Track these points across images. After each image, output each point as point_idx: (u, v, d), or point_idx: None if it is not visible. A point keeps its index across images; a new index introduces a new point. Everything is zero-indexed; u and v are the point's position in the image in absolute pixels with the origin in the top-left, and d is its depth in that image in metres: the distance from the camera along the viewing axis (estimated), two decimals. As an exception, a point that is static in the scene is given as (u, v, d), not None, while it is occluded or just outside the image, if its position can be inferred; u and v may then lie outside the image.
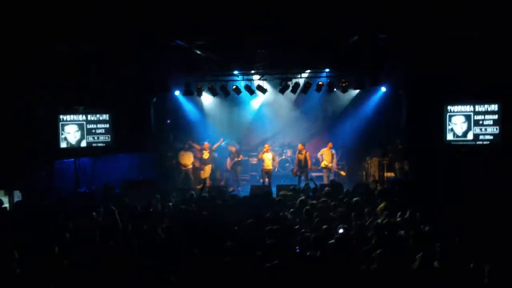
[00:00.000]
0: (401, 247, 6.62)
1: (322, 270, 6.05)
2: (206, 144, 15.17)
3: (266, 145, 15.28)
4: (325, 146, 15.40)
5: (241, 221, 8.44)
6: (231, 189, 14.84)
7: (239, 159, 15.68)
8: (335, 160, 15.30)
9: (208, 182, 14.91)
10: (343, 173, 15.60)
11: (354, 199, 9.94)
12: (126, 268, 6.36)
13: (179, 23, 9.90)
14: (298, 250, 7.14)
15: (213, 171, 15.66)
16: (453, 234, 7.06)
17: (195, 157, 15.26)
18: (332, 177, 14.85)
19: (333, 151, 15.29)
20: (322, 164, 15.23)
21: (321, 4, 9.13)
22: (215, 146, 15.33)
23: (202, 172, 15.02)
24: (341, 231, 7.86)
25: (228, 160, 15.76)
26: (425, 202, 9.47)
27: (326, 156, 15.18)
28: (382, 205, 9.21)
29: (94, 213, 9.42)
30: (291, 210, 9.36)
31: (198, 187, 14.18)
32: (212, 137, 15.99)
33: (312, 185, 12.07)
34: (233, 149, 15.70)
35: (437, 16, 9.39)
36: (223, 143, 16.21)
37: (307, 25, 9.69)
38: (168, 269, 6.25)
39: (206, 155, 15.02)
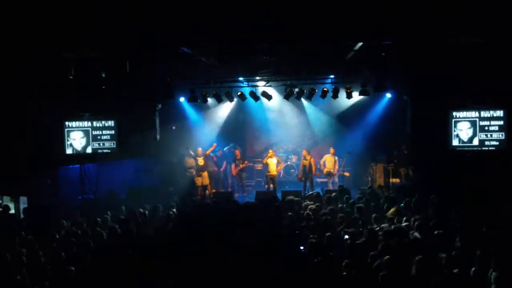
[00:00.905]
0: (409, 253, 6.60)
1: (329, 275, 6.05)
2: (199, 150, 15.06)
3: (270, 151, 15.28)
4: (328, 153, 15.39)
5: (246, 226, 8.46)
6: (236, 195, 14.84)
7: (244, 165, 15.64)
8: (336, 166, 15.25)
9: (209, 189, 14.87)
10: (346, 174, 15.51)
11: (358, 204, 9.96)
12: (130, 272, 6.38)
13: (184, 30, 9.94)
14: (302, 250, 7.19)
15: (213, 177, 15.64)
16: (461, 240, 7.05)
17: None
18: (337, 183, 14.86)
19: (336, 158, 15.24)
20: (325, 171, 15.23)
21: (326, 11, 9.16)
22: (208, 151, 15.28)
23: (198, 178, 14.89)
24: (346, 237, 7.87)
25: (233, 165, 15.74)
26: (432, 208, 9.48)
27: (329, 163, 15.17)
28: (392, 210, 9.22)
29: (98, 219, 9.47)
30: (290, 214, 9.38)
31: (199, 193, 14.22)
32: (217, 143, 15.98)
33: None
34: (239, 154, 15.68)
35: (441, 22, 9.40)
36: (226, 148, 16.23)
37: (312, 31, 9.71)
38: (167, 272, 6.29)
39: (200, 161, 14.96)
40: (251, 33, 9.86)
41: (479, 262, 5.87)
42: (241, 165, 15.53)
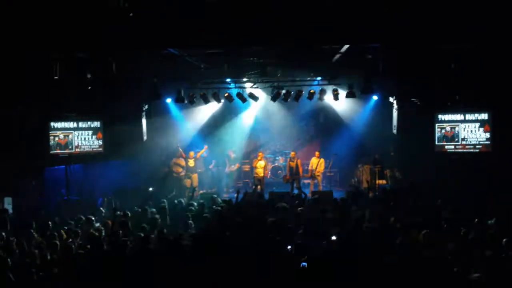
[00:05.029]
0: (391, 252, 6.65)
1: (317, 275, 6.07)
2: (191, 153, 15.14)
3: (260, 153, 15.31)
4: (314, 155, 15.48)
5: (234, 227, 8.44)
6: (225, 195, 14.80)
7: (235, 168, 15.70)
8: (320, 168, 15.24)
9: (196, 191, 14.83)
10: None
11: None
12: (119, 274, 6.34)
13: (171, 31, 9.92)
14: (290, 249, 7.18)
15: (202, 179, 15.62)
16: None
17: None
18: (321, 184, 15.01)
19: (321, 159, 15.24)
20: (310, 173, 15.29)
21: (314, 13, 9.22)
22: (199, 154, 15.31)
23: (188, 180, 14.92)
24: (334, 238, 7.88)
25: (227, 164, 15.95)
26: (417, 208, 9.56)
27: (314, 165, 15.21)
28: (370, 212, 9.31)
29: (82, 218, 9.43)
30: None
31: (187, 194, 14.17)
32: (203, 144, 15.95)
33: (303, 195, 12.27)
34: (232, 155, 15.74)
35: (428, 27, 9.50)
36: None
37: (300, 33, 9.74)
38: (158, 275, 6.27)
39: (191, 163, 15.00)
40: (239, 35, 9.87)
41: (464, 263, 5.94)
42: (232, 167, 15.61)
